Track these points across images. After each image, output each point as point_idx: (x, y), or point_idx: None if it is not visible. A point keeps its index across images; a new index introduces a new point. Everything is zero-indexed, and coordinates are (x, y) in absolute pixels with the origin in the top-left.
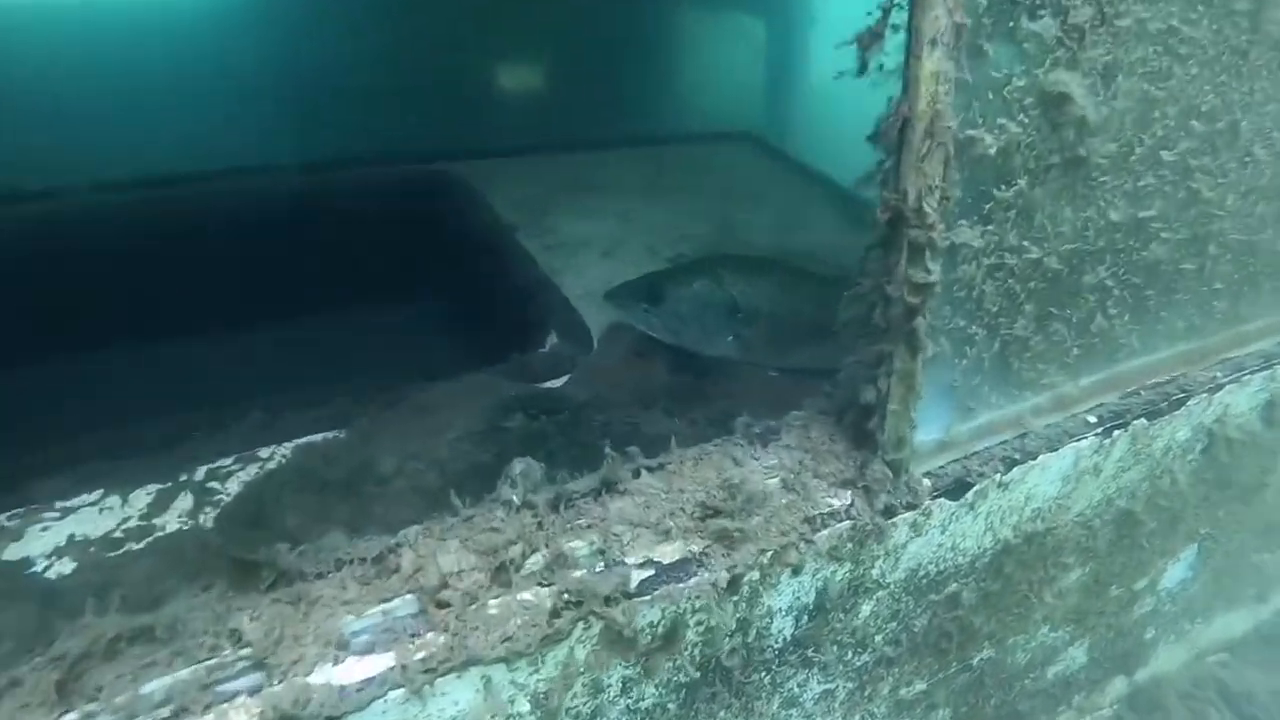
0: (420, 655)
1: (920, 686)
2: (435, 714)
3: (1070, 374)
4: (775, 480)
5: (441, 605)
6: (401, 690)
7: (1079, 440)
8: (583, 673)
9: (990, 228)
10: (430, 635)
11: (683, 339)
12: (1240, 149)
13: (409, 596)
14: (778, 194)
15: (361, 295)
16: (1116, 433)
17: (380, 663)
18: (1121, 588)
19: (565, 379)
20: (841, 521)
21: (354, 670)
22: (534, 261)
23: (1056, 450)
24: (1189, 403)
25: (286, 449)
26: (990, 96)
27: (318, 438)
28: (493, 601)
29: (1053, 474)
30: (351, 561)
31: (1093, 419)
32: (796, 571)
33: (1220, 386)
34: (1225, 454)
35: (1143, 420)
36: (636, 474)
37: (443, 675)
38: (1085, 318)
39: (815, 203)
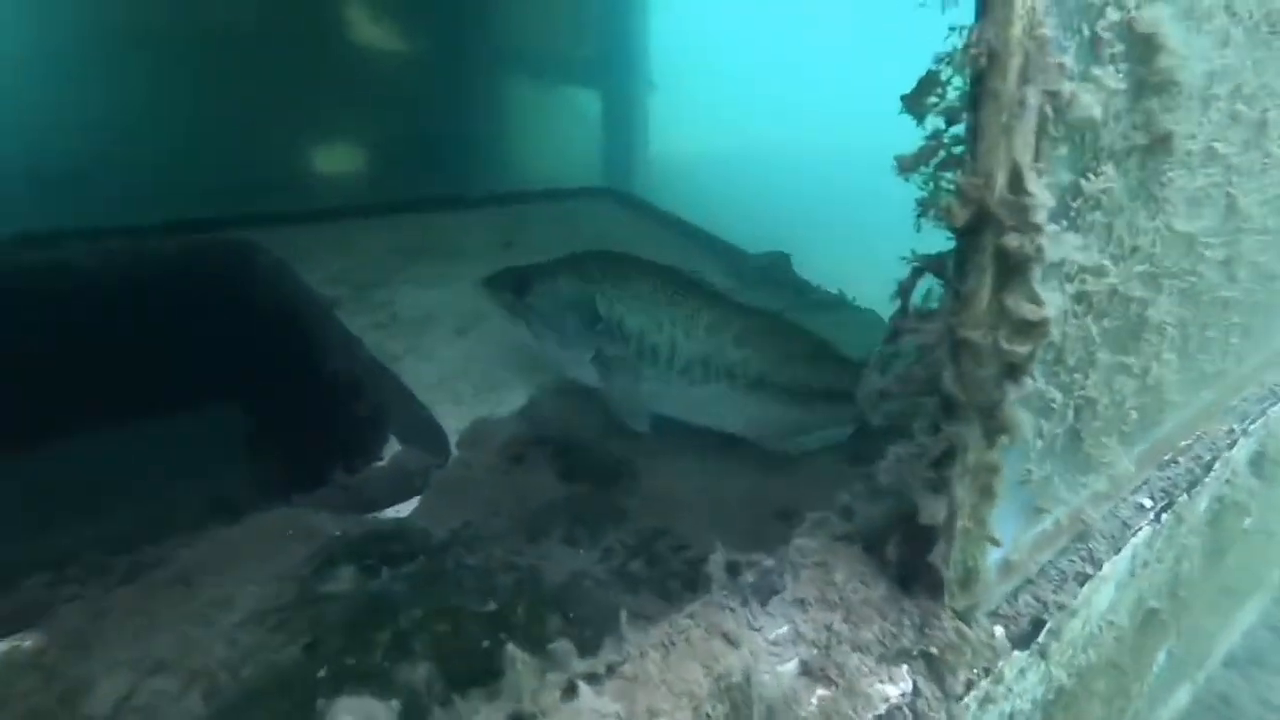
0: None
1: None
2: None
3: (1126, 444)
4: (792, 665)
5: None
6: None
7: (1137, 533)
8: None
9: (1077, 237)
10: None
11: (543, 341)
12: (1264, 147)
13: None
14: (644, 244)
15: (126, 397)
16: (1165, 516)
17: None
18: (1129, 704)
19: (414, 504)
20: None
21: None
22: (359, 344)
23: (1120, 551)
24: (1215, 467)
25: None
26: (1084, 31)
27: None
28: None
29: (1113, 582)
30: None
31: (1146, 501)
32: None
33: (1234, 442)
34: (1227, 520)
35: (1185, 496)
36: (570, 690)
37: None
38: (1144, 366)
39: (681, 249)
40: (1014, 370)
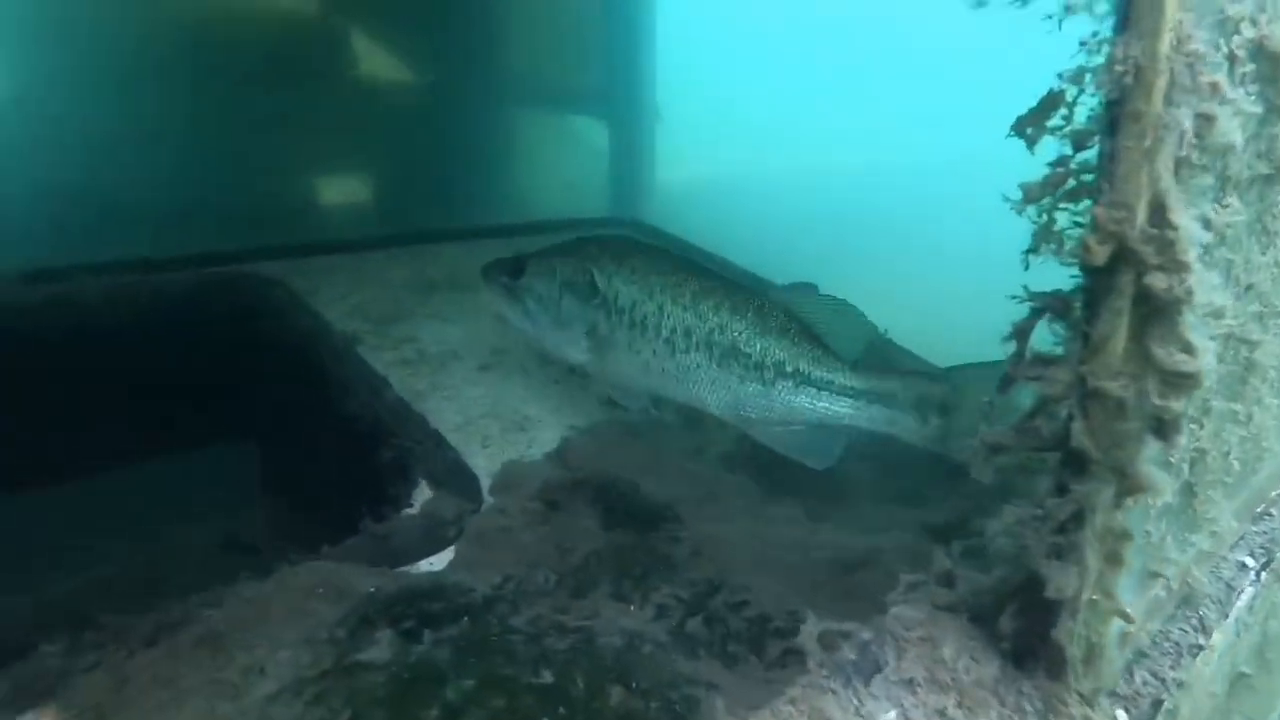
0: None
1: None
2: None
3: (1228, 496)
4: None
5: None
6: None
7: (1241, 595)
8: None
9: (1214, 275)
10: None
11: (535, 325)
12: None
13: None
14: None
15: (140, 436)
16: (1264, 575)
17: None
18: None
19: (449, 555)
20: None
21: None
22: (385, 383)
23: (1227, 616)
24: None
25: None
26: (1221, 45)
27: None
28: None
29: (1219, 651)
30: None
31: (1247, 560)
32: None
33: None
34: None
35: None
36: None
37: None
38: (1249, 413)
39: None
40: (1163, 427)
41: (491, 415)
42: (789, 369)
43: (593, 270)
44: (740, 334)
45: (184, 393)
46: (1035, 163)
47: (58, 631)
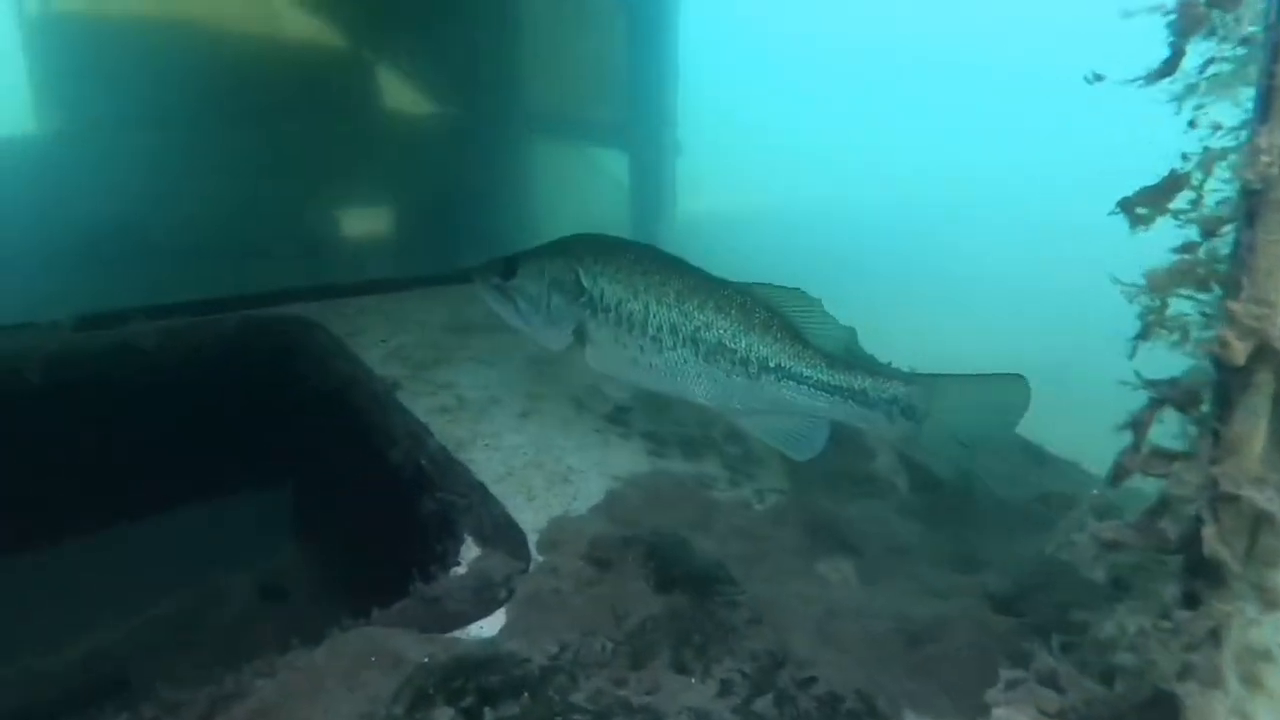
0: None
1: None
2: None
3: None
4: None
5: None
6: None
7: None
8: None
9: None
10: None
11: (526, 321)
12: None
13: None
14: None
15: (178, 480)
16: None
17: None
18: None
19: (500, 619)
20: None
21: None
22: (426, 431)
23: None
24: None
25: None
26: None
27: None
28: None
29: None
30: None
31: None
32: None
33: None
34: None
35: None
36: None
37: None
38: None
39: None
40: None
41: (534, 465)
42: (772, 364)
43: (578, 270)
44: (725, 330)
45: (228, 438)
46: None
47: (111, 701)
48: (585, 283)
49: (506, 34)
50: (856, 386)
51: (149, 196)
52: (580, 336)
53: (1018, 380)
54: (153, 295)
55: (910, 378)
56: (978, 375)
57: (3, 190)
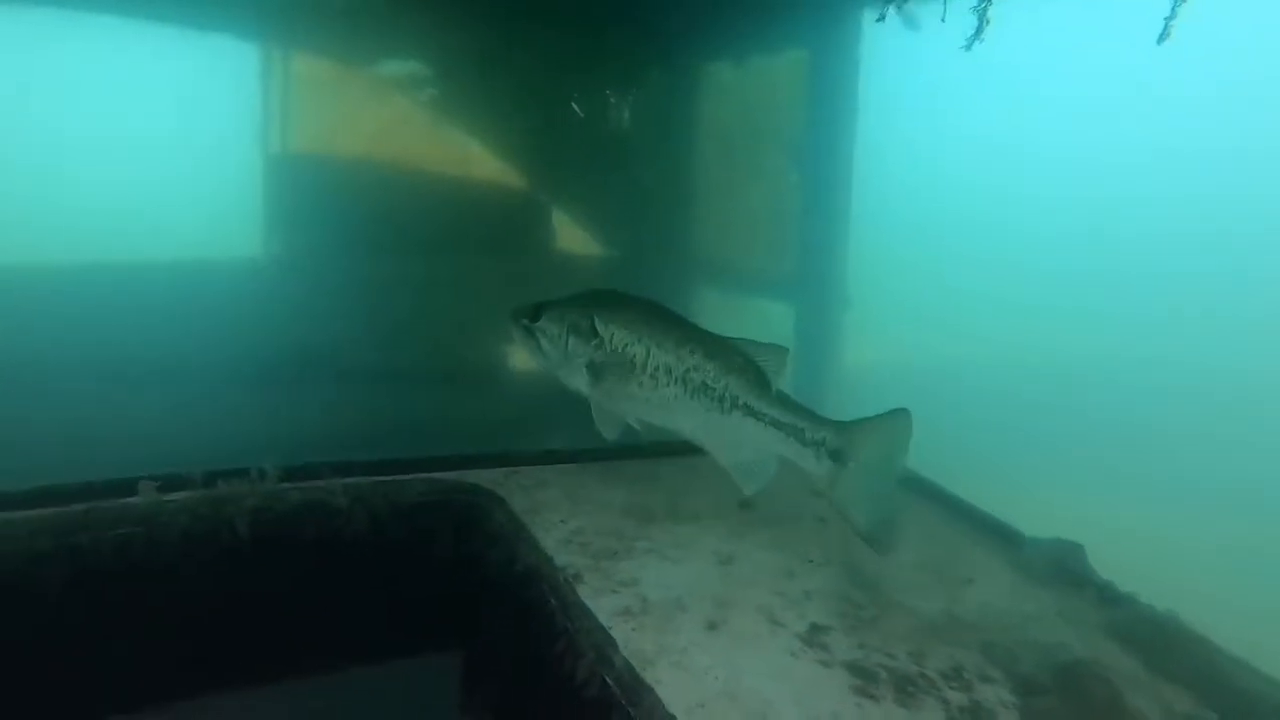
0: None
1: None
2: None
3: None
4: None
5: None
6: None
7: None
8: None
9: None
10: None
11: (546, 359)
12: None
13: None
14: (906, 524)
15: (347, 643)
16: None
17: None
18: None
19: None
20: None
21: None
22: (612, 643)
23: None
24: None
25: None
26: None
27: None
28: None
29: None
30: None
31: None
32: None
33: None
34: None
35: None
36: None
37: None
38: None
39: (955, 533)
40: None
41: (727, 695)
42: (741, 402)
43: (593, 317)
44: (709, 373)
45: (403, 604)
46: None
47: None
48: (598, 328)
49: (675, 181)
50: (798, 426)
51: (349, 321)
52: (592, 373)
53: (905, 413)
54: (350, 415)
55: (839, 424)
56: (878, 416)
57: (227, 306)
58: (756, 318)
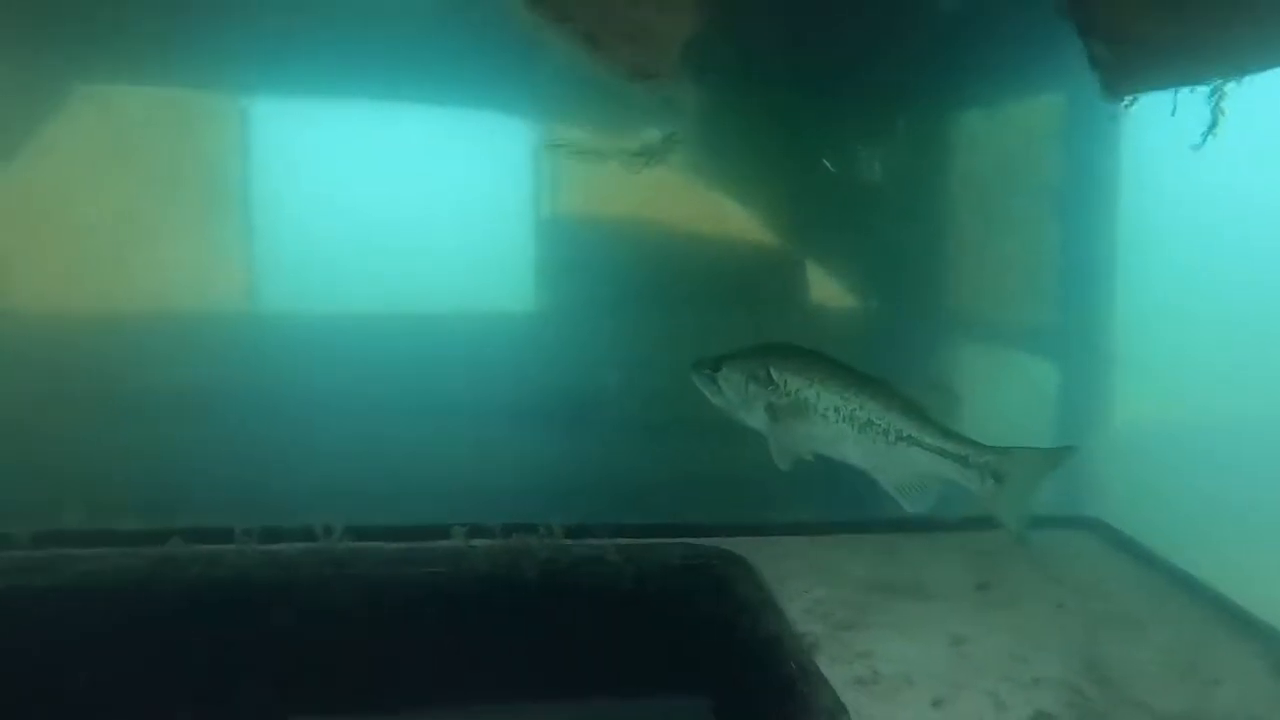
0: None
1: None
2: None
3: None
4: None
5: None
6: None
7: None
8: None
9: None
10: None
11: (729, 403)
12: None
13: None
14: (1153, 614)
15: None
16: None
17: None
18: None
19: None
20: None
21: None
22: (844, 709)
23: None
24: None
25: None
26: None
27: None
28: None
29: None
30: None
31: None
32: None
33: None
34: None
35: None
36: None
37: None
38: None
39: (1210, 633)
40: None
41: None
42: (905, 434)
43: (769, 366)
44: (873, 410)
45: (659, 658)
46: None
47: None
48: (774, 375)
49: (928, 233)
50: (962, 453)
51: (614, 373)
52: (770, 414)
53: (1070, 450)
54: (618, 464)
55: (999, 449)
56: (1044, 449)
57: (495, 359)
58: (1017, 373)
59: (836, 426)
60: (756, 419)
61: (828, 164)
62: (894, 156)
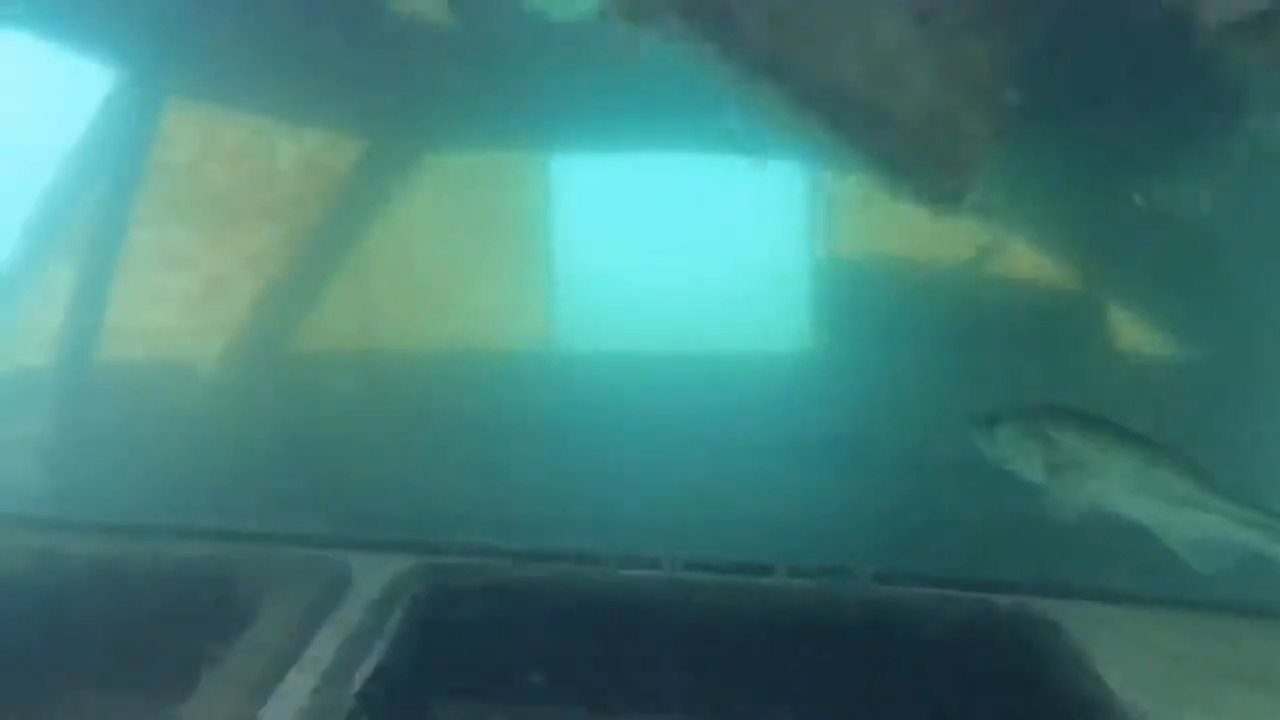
0: None
1: None
2: None
3: None
4: None
5: None
6: None
7: None
8: None
9: None
10: None
11: (1001, 457)
12: None
13: None
14: None
15: None
16: None
17: None
18: None
19: None
20: None
21: None
22: None
23: None
24: None
25: None
26: None
27: None
28: None
29: None
30: None
31: None
32: None
33: None
34: None
35: None
36: None
37: None
38: None
39: None
40: None
41: None
42: (1181, 495)
43: (1046, 426)
44: (1148, 470)
45: (959, 708)
46: None
47: None
48: (1052, 433)
49: (1265, 273)
50: (1249, 518)
51: (878, 409)
52: (1049, 471)
53: None
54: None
55: None
56: None
57: (763, 395)
58: None
59: (1120, 482)
60: (1032, 474)
61: (1137, 199)
62: (1226, 189)
